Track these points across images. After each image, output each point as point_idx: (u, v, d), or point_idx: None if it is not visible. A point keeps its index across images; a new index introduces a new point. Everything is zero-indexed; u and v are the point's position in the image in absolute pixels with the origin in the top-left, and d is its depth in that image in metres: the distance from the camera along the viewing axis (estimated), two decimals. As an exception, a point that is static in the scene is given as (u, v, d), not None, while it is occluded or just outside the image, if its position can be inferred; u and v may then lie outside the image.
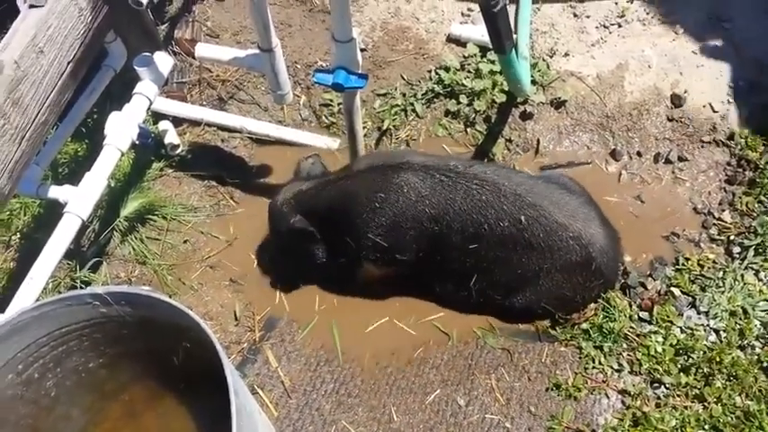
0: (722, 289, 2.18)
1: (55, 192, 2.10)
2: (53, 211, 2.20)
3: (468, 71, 2.72)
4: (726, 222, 2.36)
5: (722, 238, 2.34)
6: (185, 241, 2.46)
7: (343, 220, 2.16)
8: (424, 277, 2.27)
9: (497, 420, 2.04)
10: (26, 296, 1.87)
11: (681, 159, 2.54)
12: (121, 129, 2.13)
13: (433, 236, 2.11)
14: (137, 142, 2.20)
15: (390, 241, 2.14)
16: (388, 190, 2.09)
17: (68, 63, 1.89)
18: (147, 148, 2.55)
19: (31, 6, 1.78)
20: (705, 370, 2.01)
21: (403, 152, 2.42)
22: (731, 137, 2.52)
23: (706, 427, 1.91)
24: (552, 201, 2.08)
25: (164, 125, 2.63)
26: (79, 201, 2.03)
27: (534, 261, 2.09)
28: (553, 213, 2.04)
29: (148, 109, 2.25)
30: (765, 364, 2.00)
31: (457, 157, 2.47)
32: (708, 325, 2.12)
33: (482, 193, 2.04)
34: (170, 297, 1.65)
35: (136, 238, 2.41)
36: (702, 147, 2.55)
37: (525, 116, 2.67)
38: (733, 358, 2.01)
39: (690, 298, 2.18)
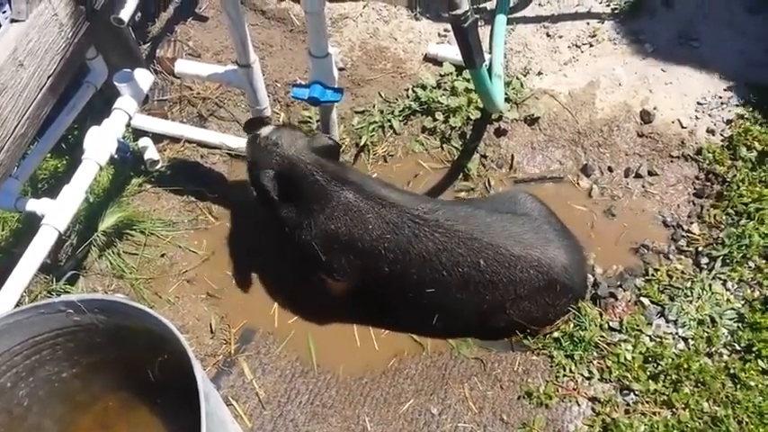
0: (690, 298, 2.22)
1: (33, 205, 2.12)
2: (31, 226, 2.22)
3: (445, 89, 2.78)
4: (694, 234, 2.41)
5: (690, 249, 2.38)
6: (163, 255, 2.47)
7: (297, 203, 2.15)
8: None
9: (470, 429, 2.05)
10: (1, 307, 1.88)
11: (650, 174, 2.59)
12: (100, 143, 2.17)
13: (371, 268, 2.15)
14: (115, 156, 2.23)
15: (321, 249, 2.16)
16: (335, 208, 2.11)
17: (48, 77, 1.93)
18: (126, 163, 2.58)
19: (13, 21, 1.82)
20: (673, 377, 2.04)
21: (386, 185, 2.29)
22: (699, 152, 2.58)
23: (674, 432, 1.94)
24: (509, 234, 2.09)
25: (144, 142, 2.66)
26: (57, 213, 2.05)
27: (498, 296, 2.11)
28: (511, 247, 2.06)
29: (128, 124, 2.29)
30: (732, 371, 2.04)
31: (426, 198, 2.47)
32: (676, 333, 2.16)
33: (435, 241, 2.07)
34: (145, 307, 1.67)
35: (113, 253, 2.42)
36: (671, 161, 2.61)
37: (500, 132, 2.73)
38: (701, 365, 2.05)
39: (659, 307, 2.22)
